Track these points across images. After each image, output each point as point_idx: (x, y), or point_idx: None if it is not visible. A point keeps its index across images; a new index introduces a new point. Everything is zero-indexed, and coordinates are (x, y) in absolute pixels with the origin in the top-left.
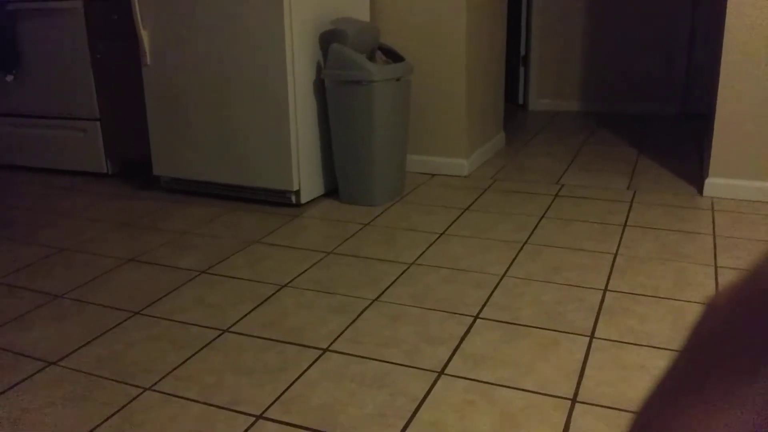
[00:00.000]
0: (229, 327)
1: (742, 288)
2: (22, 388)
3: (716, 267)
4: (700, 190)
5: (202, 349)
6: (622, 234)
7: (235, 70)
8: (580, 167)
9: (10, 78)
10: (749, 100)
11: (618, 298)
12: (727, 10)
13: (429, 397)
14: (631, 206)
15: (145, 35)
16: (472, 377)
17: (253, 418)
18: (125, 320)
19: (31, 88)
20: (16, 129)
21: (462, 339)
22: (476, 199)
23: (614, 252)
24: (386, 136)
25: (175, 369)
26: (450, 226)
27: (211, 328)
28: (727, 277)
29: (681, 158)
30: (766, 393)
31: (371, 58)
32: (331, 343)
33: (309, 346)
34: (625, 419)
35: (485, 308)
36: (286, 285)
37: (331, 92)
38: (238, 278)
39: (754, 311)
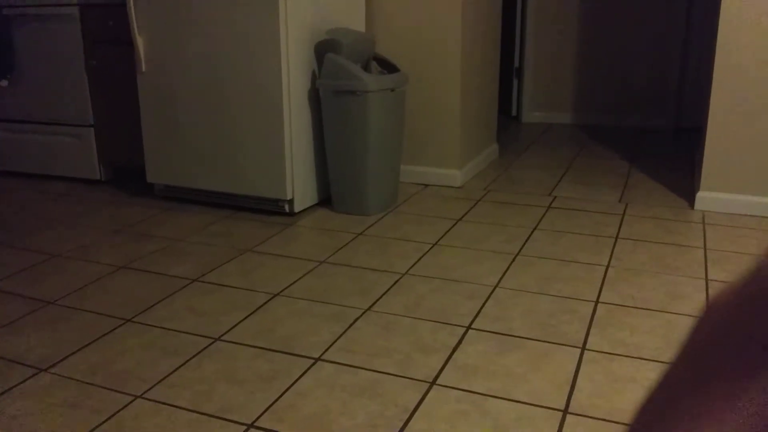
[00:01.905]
0: (221, 335)
1: (739, 292)
2: (12, 395)
3: (707, 280)
4: (692, 204)
5: (193, 357)
6: (614, 246)
7: (230, 78)
8: (572, 179)
9: (4, 83)
10: (741, 115)
11: (610, 310)
12: (720, 24)
13: (421, 407)
14: (622, 219)
15: (140, 42)
16: (464, 388)
17: (245, 427)
18: (117, 327)
19: (25, 93)
20: (9, 134)
21: (454, 349)
22: (469, 210)
23: (606, 264)
24: (380, 147)
25: (166, 377)
26: (443, 236)
27: (203, 336)
28: (718, 290)
29: (673, 171)
30: (760, 394)
31: (366, 68)
32: (323, 353)
33: (301, 356)
34: (615, 431)
35: (477, 319)
36: (278, 294)
37: (326, 102)
38: (230, 286)
39: (750, 316)
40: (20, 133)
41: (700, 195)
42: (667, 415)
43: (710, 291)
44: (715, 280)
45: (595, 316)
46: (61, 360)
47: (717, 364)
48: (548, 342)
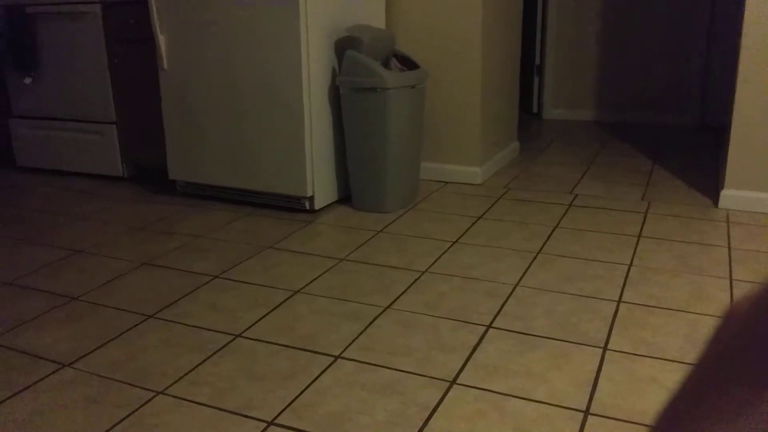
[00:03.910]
0: (242, 332)
1: (759, 301)
2: (35, 390)
3: (731, 280)
4: (716, 202)
5: (214, 353)
6: (637, 245)
7: (251, 75)
8: (594, 177)
9: (28, 80)
10: (766, 112)
11: (632, 310)
12: (744, 21)
13: (440, 406)
14: (645, 217)
15: (162, 40)
16: (484, 387)
17: (265, 424)
18: (139, 323)
19: (48, 90)
20: (33, 131)
21: (474, 348)
22: (489, 208)
23: (628, 263)
24: (400, 144)
25: (187, 373)
26: (463, 234)
27: (224, 332)
28: (742, 290)
29: (696, 169)
30: None
31: (386, 65)
32: (343, 350)
33: (321, 353)
34: None
35: (498, 318)
36: (298, 291)
37: (346, 99)
38: (251, 283)
39: None
40: (43, 130)
41: (725, 193)
42: (688, 419)
43: (734, 291)
44: (740, 280)
45: (617, 316)
46: (84, 355)
47: (732, 377)
48: (569, 341)
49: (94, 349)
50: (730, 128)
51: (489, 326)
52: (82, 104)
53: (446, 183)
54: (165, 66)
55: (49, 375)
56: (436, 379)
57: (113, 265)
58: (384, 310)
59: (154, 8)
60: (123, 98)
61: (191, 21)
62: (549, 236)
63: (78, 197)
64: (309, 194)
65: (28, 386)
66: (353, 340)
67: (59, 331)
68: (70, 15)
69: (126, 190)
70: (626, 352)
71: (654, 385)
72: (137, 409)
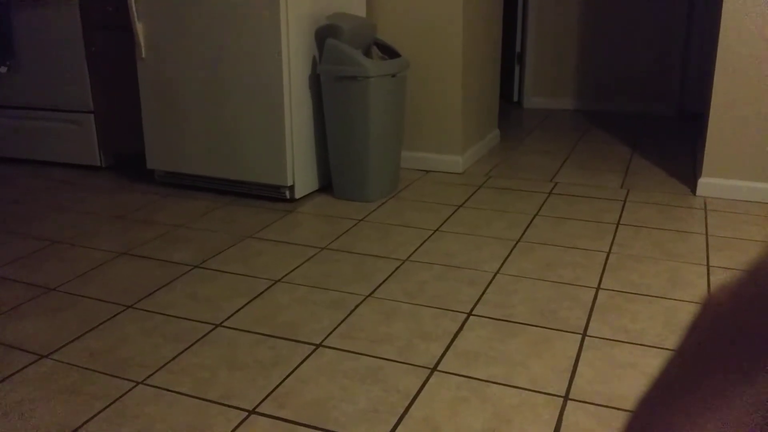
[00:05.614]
0: (223, 321)
1: (740, 288)
2: (14, 381)
3: (708, 266)
4: (694, 190)
5: (195, 343)
6: (615, 232)
7: (230, 64)
8: (574, 165)
9: (3, 69)
10: (743, 101)
11: (611, 297)
12: (722, 11)
13: (422, 393)
14: (624, 205)
15: (140, 28)
16: (465, 374)
17: (246, 413)
18: (118, 314)
19: (24, 79)
20: (9, 121)
21: (455, 336)
22: (470, 196)
23: (607, 250)
24: (381, 132)
25: (167, 363)
26: (444, 222)
27: (205, 322)
28: (719, 277)
29: (675, 158)
30: (759, 392)
31: (367, 53)
32: (325, 339)
33: (302, 342)
34: (616, 417)
35: (478, 305)
36: (279, 280)
37: (327, 88)
38: (231, 273)
39: (750, 312)
40: (20, 120)
41: (702, 181)
42: (662, 411)
43: (711, 277)
44: (717, 267)
45: (596, 303)
46: (62, 346)
47: (713, 363)
48: (549, 328)
49: (73, 340)
50: (707, 117)
51: (470, 314)
52: (59, 93)
53: (427, 172)
54: (143, 54)
55: (27, 366)
56: (417, 366)
57: (91, 255)
58: (365, 299)
59: None
60: (101, 87)
61: (170, 9)
62: (529, 224)
63: (55, 187)
64: (289, 183)
65: (6, 378)
66: (334, 329)
67: (37, 322)
68: (47, 2)
69: (104, 179)
70: (605, 338)
71: (633, 371)
72: (117, 400)
